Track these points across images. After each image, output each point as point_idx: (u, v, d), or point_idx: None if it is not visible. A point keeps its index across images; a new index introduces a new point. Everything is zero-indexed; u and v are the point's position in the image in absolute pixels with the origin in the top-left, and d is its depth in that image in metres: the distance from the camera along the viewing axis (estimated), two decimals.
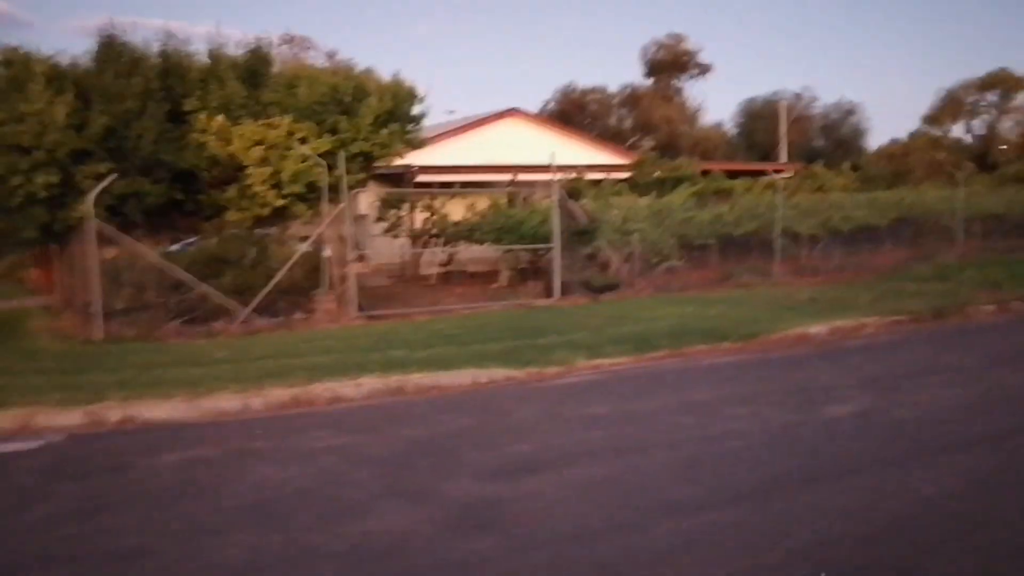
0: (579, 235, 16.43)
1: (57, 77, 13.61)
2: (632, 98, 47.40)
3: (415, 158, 20.93)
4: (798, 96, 52.67)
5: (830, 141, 59.55)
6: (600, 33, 71.55)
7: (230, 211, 16.09)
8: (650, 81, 50.05)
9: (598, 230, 16.56)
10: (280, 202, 15.80)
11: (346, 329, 13.31)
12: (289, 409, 8.55)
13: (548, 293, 15.95)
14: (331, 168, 16.15)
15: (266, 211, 16.06)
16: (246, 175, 15.75)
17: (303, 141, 15.90)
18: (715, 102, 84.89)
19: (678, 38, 50.43)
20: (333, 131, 16.12)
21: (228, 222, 15.93)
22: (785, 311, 13.26)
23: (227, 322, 13.36)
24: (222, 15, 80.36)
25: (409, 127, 17.23)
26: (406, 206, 21.55)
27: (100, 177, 13.40)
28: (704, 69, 51.24)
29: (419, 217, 21.24)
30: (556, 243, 15.89)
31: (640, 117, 44.70)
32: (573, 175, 21.37)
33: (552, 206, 16.36)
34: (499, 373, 9.65)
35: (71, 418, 8.16)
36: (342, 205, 14.21)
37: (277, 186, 15.86)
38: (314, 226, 15.71)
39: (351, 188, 16.83)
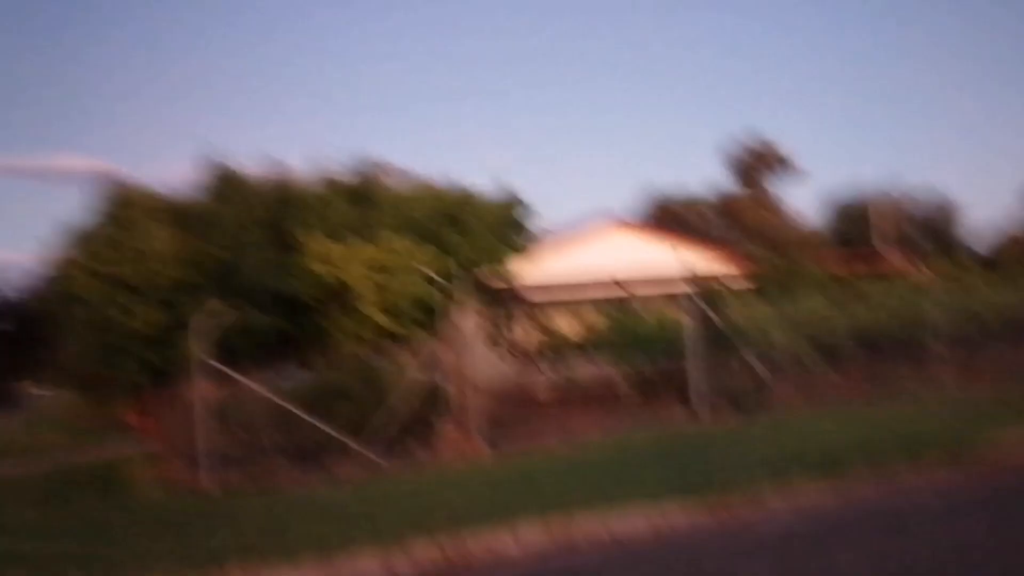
0: (719, 345, 14.76)
1: (168, 211, 13.19)
2: (726, 205, 46.07)
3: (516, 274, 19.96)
4: (886, 195, 50.59)
5: (926, 233, 56.76)
6: (675, 128, 71.25)
7: (340, 339, 15.14)
8: (735, 184, 48.75)
9: (741, 339, 14.87)
10: (395, 327, 14.76)
11: (477, 466, 11.80)
12: (439, 571, 7.00)
13: (690, 411, 14.17)
14: (443, 290, 15.16)
15: (378, 335, 15.03)
16: (358, 300, 14.86)
17: (416, 263, 15.00)
18: (798, 198, 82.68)
19: (764, 141, 49.40)
20: (446, 250, 15.20)
21: (338, 351, 14.94)
22: (978, 417, 11.19)
23: (348, 464, 12.04)
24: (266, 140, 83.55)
25: (519, 237, 16.22)
26: (512, 325, 20.36)
27: (210, 311, 12.62)
28: (793, 169, 49.80)
29: (525, 335, 19.96)
30: (694, 356, 14.25)
31: (737, 223, 43.18)
32: (701, 282, 19.86)
33: (686, 316, 14.82)
34: (676, 513, 7.93)
35: None
36: (460, 326, 13.02)
37: (389, 310, 14.89)
38: (428, 351, 14.58)
39: (462, 307, 15.75)
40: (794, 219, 49.52)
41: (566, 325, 19.96)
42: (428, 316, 14.96)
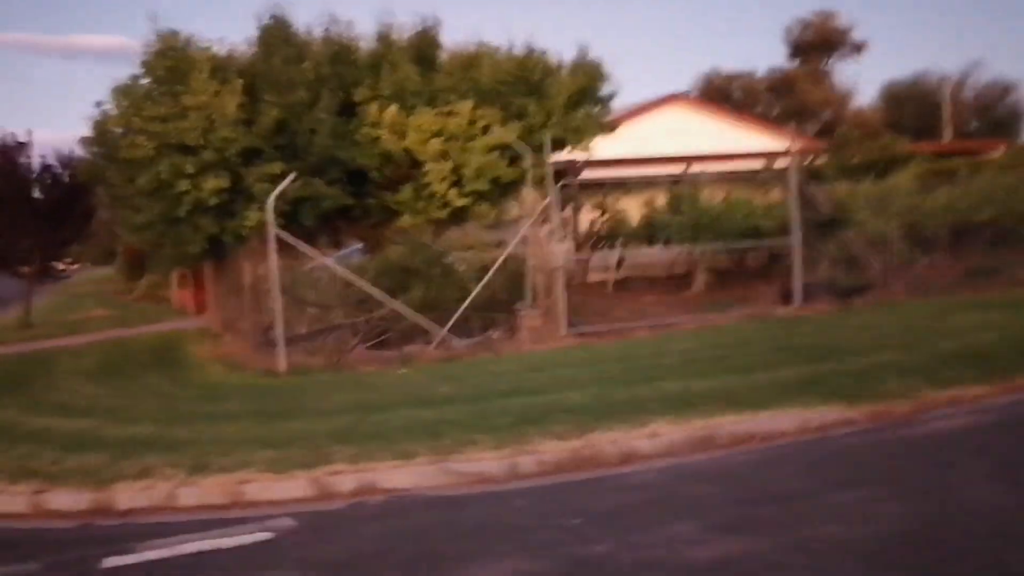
0: (821, 228, 13.53)
1: (220, 66, 11.91)
2: (783, 82, 43.47)
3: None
4: (945, 78, 47.38)
5: (985, 121, 53.81)
6: (740, 14, 66.92)
7: (404, 214, 14.10)
8: (795, 63, 45.95)
9: (845, 221, 13.61)
10: (462, 201, 13.66)
11: (563, 352, 10.93)
12: (572, 472, 6.17)
13: (785, 299, 13.12)
14: (513, 161, 13.94)
15: (445, 213, 13.98)
16: (423, 172, 13.72)
17: (486, 130, 13.73)
18: (863, 83, 78.04)
19: (826, 15, 46.19)
20: (519, 116, 13.84)
21: (402, 227, 13.94)
22: None
23: (422, 345, 11.25)
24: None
25: (599, 110, 14.79)
26: (571, 205, 19.13)
27: (273, 179, 11.57)
28: (857, 48, 46.72)
29: (597, 216, 18.77)
30: (796, 238, 13.05)
31: (793, 101, 40.84)
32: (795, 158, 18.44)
33: (790, 194, 13.53)
34: (827, 413, 6.99)
35: (292, 488, 6.04)
36: (548, 200, 11.89)
37: (458, 183, 13.75)
38: (500, 230, 13.54)
39: (540, 182, 14.56)
40: (847, 99, 46.97)
41: (638, 206, 18.77)
42: (502, 192, 13.84)
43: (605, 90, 14.87)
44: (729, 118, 26.80)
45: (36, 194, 20.50)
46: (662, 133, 24.30)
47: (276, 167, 11.44)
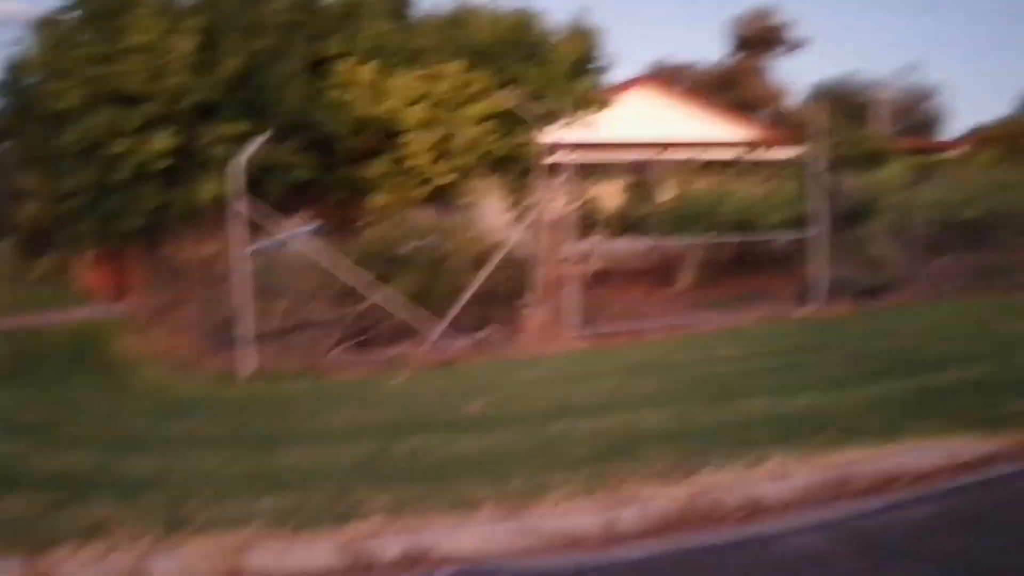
0: (841, 221, 12.40)
1: (169, 3, 9.81)
2: (727, 75, 43.02)
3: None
4: (877, 80, 48.35)
5: (905, 125, 55.24)
6: (684, 9, 66.26)
7: (376, 192, 12.28)
8: (739, 57, 45.69)
9: (865, 214, 12.54)
10: (447, 178, 11.93)
11: (580, 356, 9.41)
12: (688, 529, 4.65)
13: (801, 298, 11.92)
14: (508, 133, 12.32)
15: (425, 191, 12.22)
16: (402, 143, 11.92)
17: (476, 97, 12.02)
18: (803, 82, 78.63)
19: (764, 12, 46.09)
20: (514, 82, 12.17)
21: (382, 208, 12.11)
22: None
23: (410, 345, 9.51)
24: None
25: (595, 84, 13.29)
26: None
27: (233, 142, 9.59)
28: (795, 45, 46.83)
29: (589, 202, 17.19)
30: (817, 232, 11.86)
31: (736, 95, 40.30)
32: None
33: (808, 181, 12.37)
34: (972, 445, 5.70)
35: (313, 555, 4.32)
36: (560, 179, 10.32)
37: (442, 157, 12.01)
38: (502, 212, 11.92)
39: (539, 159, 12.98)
40: (784, 96, 47.13)
41: (612, 193, 17.40)
42: (494, 167, 12.19)
43: (605, 65, 13.39)
44: (693, 105, 25.82)
45: None
46: (627, 118, 23.06)
47: (238, 126, 9.44)
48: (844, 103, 47.19)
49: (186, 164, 9.60)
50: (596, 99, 12.78)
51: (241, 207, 8.46)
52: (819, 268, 11.83)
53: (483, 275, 9.74)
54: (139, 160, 9.06)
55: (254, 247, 11.78)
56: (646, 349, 9.50)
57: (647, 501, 4.80)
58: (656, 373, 7.83)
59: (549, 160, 11.42)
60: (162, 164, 9.12)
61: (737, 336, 9.98)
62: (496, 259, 9.91)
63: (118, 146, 8.91)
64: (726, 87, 42.67)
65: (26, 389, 8.79)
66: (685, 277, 16.08)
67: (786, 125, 30.49)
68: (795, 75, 75.81)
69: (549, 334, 10.15)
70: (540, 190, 10.49)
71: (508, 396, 7.10)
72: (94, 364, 10.48)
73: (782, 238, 13.07)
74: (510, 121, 12.11)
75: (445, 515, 4.60)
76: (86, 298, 21.15)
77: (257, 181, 9.84)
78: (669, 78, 42.94)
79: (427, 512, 4.62)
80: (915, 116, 59.11)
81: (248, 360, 8.48)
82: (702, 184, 16.68)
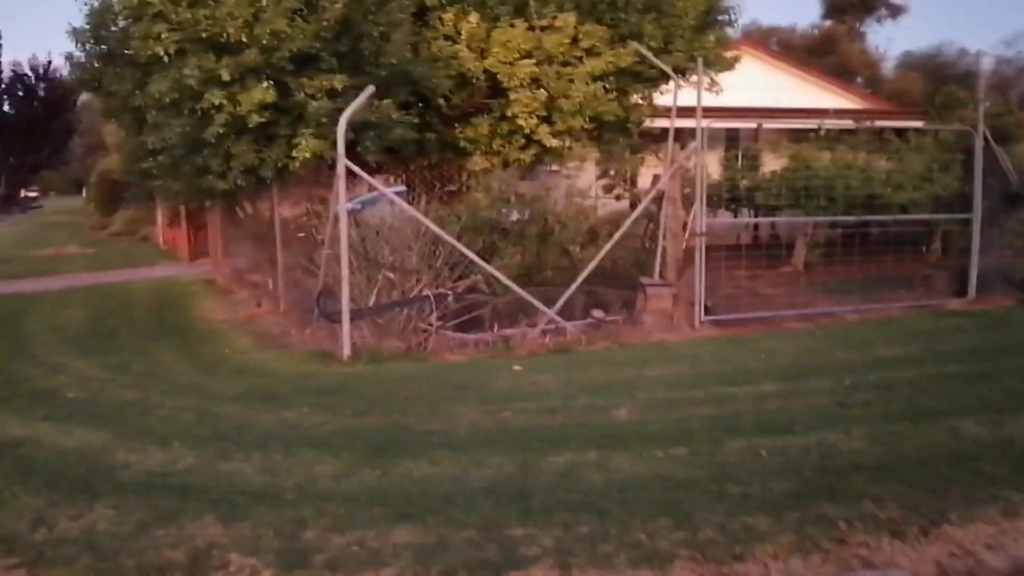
0: (1005, 201, 10.94)
1: None
2: (823, 40, 40.64)
3: None
4: (979, 52, 44.97)
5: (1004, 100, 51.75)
6: None
7: (473, 155, 11.27)
8: (831, 22, 43.14)
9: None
10: (553, 142, 10.85)
11: (714, 346, 8.30)
12: None
13: (958, 289, 10.53)
14: (622, 93, 11.15)
15: (529, 154, 11.17)
16: (506, 103, 10.86)
17: (589, 53, 10.86)
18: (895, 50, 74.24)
19: None
20: (632, 37, 10.94)
21: (473, 169, 11.13)
22: None
23: (522, 328, 8.54)
24: None
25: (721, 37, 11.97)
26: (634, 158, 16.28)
27: (330, 96, 8.68)
28: (895, 11, 44.01)
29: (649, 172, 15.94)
30: (976, 212, 10.44)
31: (832, 61, 37.97)
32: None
33: (953, 157, 10.93)
34: None
35: None
36: (694, 145, 9.15)
37: (547, 119, 10.92)
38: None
39: (638, 124, 11.84)
40: (879, 64, 44.45)
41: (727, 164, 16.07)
42: (607, 131, 11.08)
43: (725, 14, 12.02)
44: (799, 71, 24.02)
45: (5, 109, 17.31)
46: (735, 84, 21.54)
47: (337, 79, 8.50)
48: (938, 75, 44.52)
49: (280, 120, 8.72)
50: (723, 58, 11.47)
51: (344, 167, 7.55)
52: (971, 255, 10.42)
53: (604, 250, 8.68)
54: (232, 114, 8.21)
55: (348, 207, 11.01)
56: (791, 342, 8.34)
57: (886, 569, 3.75)
58: (820, 376, 6.67)
59: (675, 125, 10.21)
60: (258, 119, 8.26)
61: (893, 330, 8.71)
62: (620, 232, 8.82)
63: (211, 98, 8.07)
64: (822, 52, 40.43)
65: (111, 357, 8.14)
66: (798, 257, 14.75)
67: (883, 95, 28.46)
68: (887, 43, 71.97)
69: (673, 319, 9.08)
70: (667, 158, 9.34)
71: (653, 399, 6.06)
72: (181, 332, 9.82)
73: (933, 219, 11.65)
74: (626, 80, 10.93)
75: (627, 571, 3.62)
76: (165, 256, 20.90)
77: (354, 141, 8.95)
78: (763, 40, 40.87)
79: (603, 565, 3.65)
80: (1013, 91, 55.41)
81: (347, 337, 7.63)
82: (821, 156, 15.24)
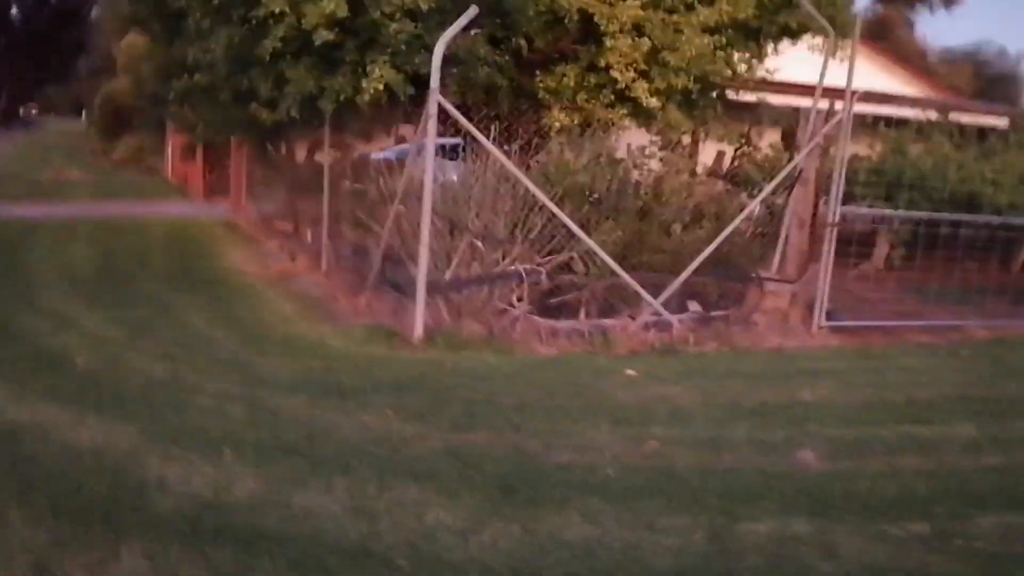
0: None
1: None
2: (878, 25, 38.80)
3: None
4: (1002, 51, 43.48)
5: None
6: None
7: (553, 109, 9.79)
8: (883, 7, 41.25)
9: None
10: (652, 101, 9.36)
11: (849, 358, 6.96)
12: None
13: None
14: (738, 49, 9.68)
15: (616, 114, 9.69)
16: (600, 50, 9.36)
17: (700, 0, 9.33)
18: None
19: None
20: None
21: (552, 125, 9.65)
22: None
23: (622, 319, 7.16)
24: None
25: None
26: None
27: (410, 18, 7.17)
28: (949, 1, 42.09)
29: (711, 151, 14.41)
30: None
31: (891, 49, 36.19)
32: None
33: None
34: None
35: None
36: (839, 116, 7.69)
37: (645, 75, 9.42)
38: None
39: (755, 89, 10.44)
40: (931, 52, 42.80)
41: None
42: (706, 96, 9.63)
43: None
44: (875, 52, 22.39)
45: (14, 14, 15.60)
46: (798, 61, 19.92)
47: None
48: (978, 73, 42.87)
49: (349, 42, 7.21)
50: (851, 18, 9.94)
51: (436, 105, 6.10)
52: None
53: (724, 235, 7.28)
54: (296, 27, 6.70)
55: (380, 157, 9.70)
56: (935, 361, 7.00)
57: None
58: (1019, 417, 5.34)
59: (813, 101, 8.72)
60: (326, 35, 6.76)
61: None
62: (744, 215, 7.43)
63: (272, 3, 6.54)
64: (876, 37, 38.65)
65: (130, 310, 6.75)
66: (879, 256, 13.38)
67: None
68: (932, 35, 69.88)
69: (786, 320, 7.73)
70: (802, 134, 7.91)
71: (833, 437, 4.70)
72: (208, 284, 8.41)
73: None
74: (746, 37, 9.44)
75: None
76: (175, 191, 19.38)
77: (423, 76, 7.43)
78: None
79: None
80: None
81: (420, 315, 6.25)
82: (915, 146, 13.79)
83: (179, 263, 9.22)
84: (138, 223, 12.50)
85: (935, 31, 69.28)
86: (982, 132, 15.14)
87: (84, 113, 42.92)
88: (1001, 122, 17.43)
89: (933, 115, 16.24)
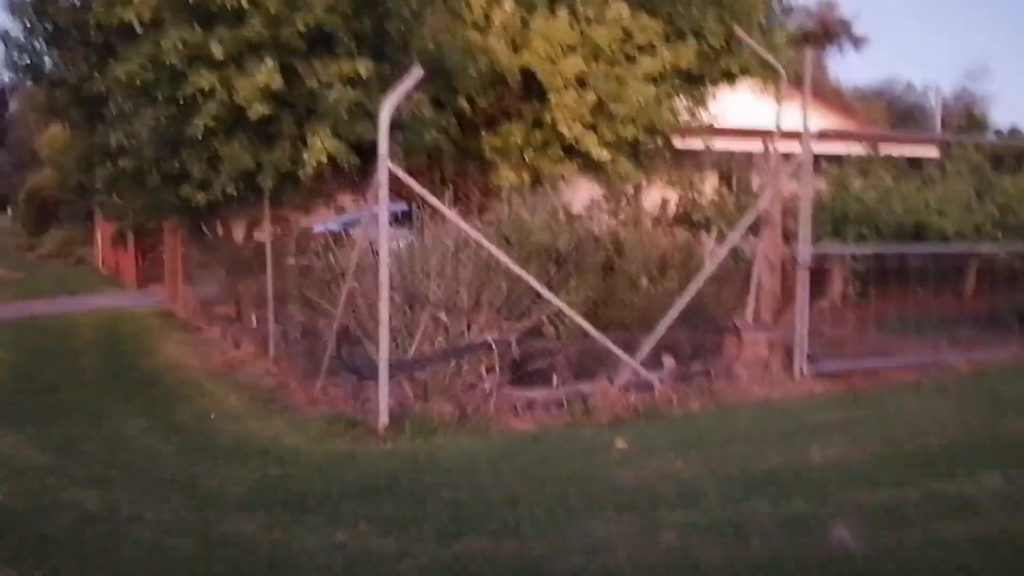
0: None
1: None
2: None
3: None
4: (909, 87, 45.64)
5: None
6: None
7: (500, 167, 9.47)
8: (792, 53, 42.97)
9: None
10: (603, 154, 9.10)
11: (829, 404, 6.62)
12: None
13: None
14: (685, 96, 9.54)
15: (565, 169, 9.41)
16: (544, 107, 9.10)
17: (642, 50, 9.17)
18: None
19: (832, 5, 43.35)
20: (691, 34, 9.30)
21: (500, 183, 9.32)
22: None
23: (598, 382, 6.69)
24: None
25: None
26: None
27: (350, 86, 6.76)
28: (856, 41, 44.02)
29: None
30: None
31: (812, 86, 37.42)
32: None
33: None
34: None
35: None
36: (802, 159, 7.49)
37: (594, 128, 9.17)
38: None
39: (699, 135, 10.32)
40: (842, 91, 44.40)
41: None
42: (663, 143, 9.43)
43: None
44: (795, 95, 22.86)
45: None
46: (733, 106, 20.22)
47: (361, 65, 6.60)
48: (889, 109, 44.73)
49: (285, 114, 6.76)
50: (792, 60, 9.92)
51: (387, 173, 5.65)
52: None
53: (697, 283, 6.92)
54: (227, 103, 6.22)
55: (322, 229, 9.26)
56: (925, 401, 6.69)
57: None
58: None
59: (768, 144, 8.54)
60: (261, 109, 6.29)
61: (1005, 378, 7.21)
62: (715, 264, 7.10)
63: (199, 80, 6.06)
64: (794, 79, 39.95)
65: (54, 428, 6.00)
66: (834, 290, 13.29)
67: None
68: (844, 74, 72.83)
69: (764, 368, 7.37)
70: (765, 179, 7.69)
71: (863, 506, 4.26)
72: (141, 383, 7.68)
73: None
74: (688, 84, 9.31)
75: None
76: (108, 281, 18.45)
77: (368, 143, 7.01)
78: None
79: None
80: (967, 122, 56.05)
81: (384, 400, 5.67)
82: (857, 181, 13.86)
83: (111, 363, 8.46)
84: (67, 321, 11.64)
85: (845, 70, 72.31)
86: (913, 162, 15.39)
87: (8, 209, 41.35)
88: (931, 152, 17.86)
89: (866, 150, 16.49)
